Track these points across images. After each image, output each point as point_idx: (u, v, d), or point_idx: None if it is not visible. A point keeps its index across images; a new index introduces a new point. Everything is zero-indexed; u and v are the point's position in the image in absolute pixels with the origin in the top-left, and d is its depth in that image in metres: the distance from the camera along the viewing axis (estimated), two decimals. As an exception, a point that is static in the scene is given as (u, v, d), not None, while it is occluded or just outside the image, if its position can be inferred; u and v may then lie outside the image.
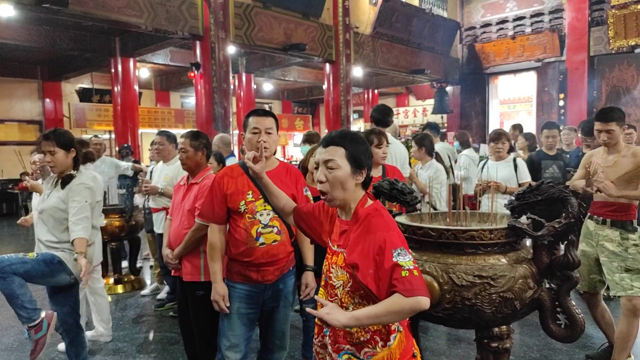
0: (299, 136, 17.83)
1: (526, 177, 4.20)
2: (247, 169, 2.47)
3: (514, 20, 13.01)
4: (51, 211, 2.76)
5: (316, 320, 1.71)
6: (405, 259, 1.42)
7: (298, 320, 3.42)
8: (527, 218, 2.06)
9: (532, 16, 12.65)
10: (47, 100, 13.32)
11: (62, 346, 3.55)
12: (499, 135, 4.37)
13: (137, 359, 3.59)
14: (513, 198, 2.11)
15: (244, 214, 2.38)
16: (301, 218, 1.90)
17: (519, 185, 4.13)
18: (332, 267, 1.64)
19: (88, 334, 3.78)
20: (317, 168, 1.65)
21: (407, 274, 1.39)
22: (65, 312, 2.83)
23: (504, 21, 13.23)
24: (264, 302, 2.49)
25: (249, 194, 2.39)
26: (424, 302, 1.38)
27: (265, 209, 2.38)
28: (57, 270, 2.71)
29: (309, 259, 2.61)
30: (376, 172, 3.19)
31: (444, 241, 2.01)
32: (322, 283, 1.71)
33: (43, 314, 2.66)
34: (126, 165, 6.16)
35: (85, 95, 13.91)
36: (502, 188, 4.06)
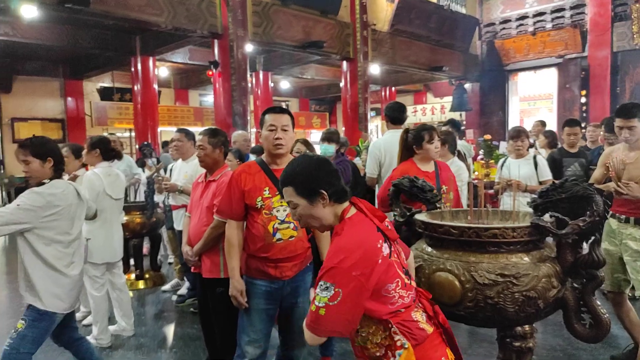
0: (316, 134, 17.84)
1: (547, 175, 4.14)
2: (265, 165, 2.50)
3: (534, 15, 12.79)
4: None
5: None
6: (322, 294, 1.45)
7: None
8: (551, 216, 2.03)
9: (552, 12, 12.43)
10: (69, 98, 13.55)
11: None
12: (518, 133, 4.31)
13: (159, 354, 3.65)
14: (536, 196, 2.08)
15: (261, 210, 2.41)
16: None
17: (540, 183, 4.07)
18: None
19: (111, 328, 3.85)
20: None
21: (313, 309, 1.47)
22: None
23: (524, 17, 13.03)
24: (283, 298, 2.51)
25: (265, 190, 2.42)
26: (309, 339, 1.51)
27: (281, 205, 2.41)
28: (47, 318, 2.55)
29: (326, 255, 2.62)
30: (429, 168, 3.19)
31: (465, 239, 1.99)
32: None
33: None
34: (138, 172, 6.24)
35: (106, 93, 14.13)
36: (522, 186, 4.01)
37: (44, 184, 2.57)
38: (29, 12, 6.61)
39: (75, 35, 9.59)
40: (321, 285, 1.46)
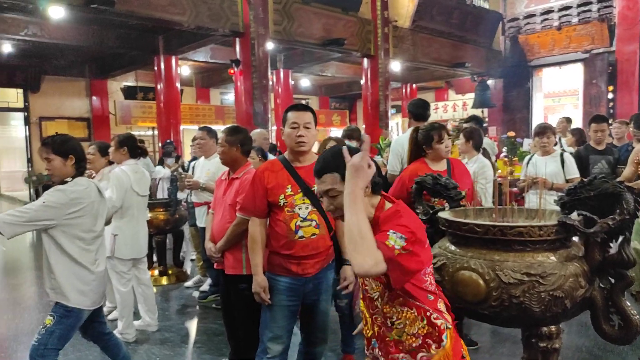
0: (336, 132, 17.82)
1: (574, 172, 4.05)
2: (287, 163, 2.51)
3: (560, 10, 12.51)
4: None
5: (363, 332, 1.73)
6: (397, 238, 1.41)
7: (337, 315, 3.44)
8: (579, 214, 1.99)
9: (579, 5, 12.13)
10: (94, 97, 13.85)
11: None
12: (544, 129, 4.23)
13: (182, 349, 3.70)
14: (563, 194, 2.05)
15: (284, 208, 2.42)
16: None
17: (567, 181, 3.99)
18: (366, 280, 1.65)
19: (135, 323, 3.93)
20: (321, 197, 1.64)
21: (389, 245, 1.40)
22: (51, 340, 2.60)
23: (549, 11, 12.75)
24: (305, 295, 2.52)
25: (288, 188, 2.43)
26: (366, 264, 1.34)
27: (304, 203, 2.42)
28: (73, 314, 2.60)
29: None
30: (441, 166, 3.15)
31: (490, 237, 1.97)
32: (361, 295, 1.72)
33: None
34: (155, 170, 6.35)
35: (129, 92, 14.39)
36: (549, 184, 3.93)
37: (66, 182, 2.60)
38: (57, 13, 6.76)
39: (100, 35, 9.78)
40: (395, 232, 1.43)
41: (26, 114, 13.29)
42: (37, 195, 12.37)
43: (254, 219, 2.52)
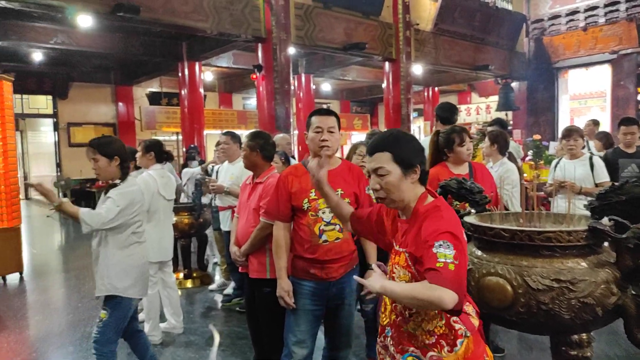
0: (357, 136, 17.80)
1: (604, 176, 3.96)
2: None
3: (586, 10, 12.26)
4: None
5: (380, 320, 1.72)
6: (447, 251, 1.39)
7: (361, 319, 3.43)
8: (610, 220, 1.95)
9: (606, 5, 11.86)
10: (120, 103, 14.15)
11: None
12: (570, 132, 4.15)
13: (207, 351, 3.74)
14: (592, 198, 2.00)
15: (307, 212, 2.44)
16: (359, 222, 1.90)
17: (596, 185, 3.90)
18: (395, 268, 1.63)
19: (161, 325, 3.99)
20: (369, 176, 1.65)
21: (440, 265, 1.36)
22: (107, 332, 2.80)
23: (574, 12, 12.51)
24: (329, 299, 2.53)
25: (312, 192, 2.43)
26: (447, 298, 1.32)
27: (327, 207, 2.41)
28: (124, 304, 2.77)
29: (372, 257, 2.62)
30: (463, 170, 3.11)
31: (517, 242, 1.94)
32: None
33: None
34: (183, 171, 6.46)
35: (154, 98, 14.65)
36: (577, 188, 3.85)
37: (116, 183, 2.77)
38: (84, 22, 6.95)
39: (125, 42, 10.00)
40: (441, 243, 1.40)
41: (55, 119, 13.67)
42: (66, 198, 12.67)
43: (278, 223, 2.53)
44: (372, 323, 3.24)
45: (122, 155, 2.79)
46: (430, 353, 1.52)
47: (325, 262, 2.44)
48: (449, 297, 1.32)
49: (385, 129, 11.38)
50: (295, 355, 2.48)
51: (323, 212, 2.43)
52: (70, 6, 6.40)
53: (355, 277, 1.61)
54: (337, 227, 2.44)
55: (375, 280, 1.49)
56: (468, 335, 1.52)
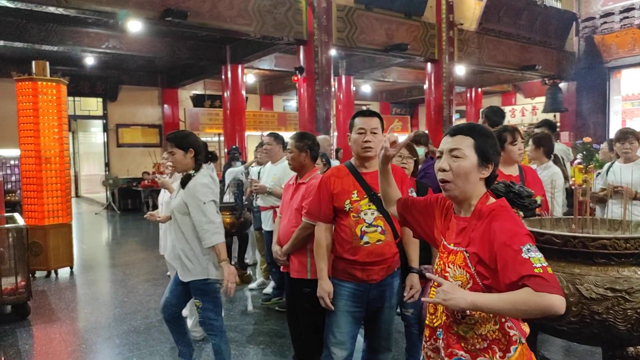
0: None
1: (662, 181, 3.76)
2: (354, 169, 2.51)
3: (642, 7, 11.69)
4: (177, 209, 2.93)
5: (428, 321, 1.67)
6: (537, 255, 1.33)
7: (401, 324, 3.39)
8: (670, 227, 1.84)
9: (664, 1, 11.28)
10: (166, 106, 14.61)
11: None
12: (625, 134, 3.97)
13: (247, 348, 3.79)
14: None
15: (349, 213, 2.43)
16: (406, 209, 1.84)
17: (653, 190, 3.70)
18: (449, 267, 1.56)
19: (203, 322, 4.07)
20: (439, 157, 1.59)
21: (540, 271, 1.29)
22: (208, 314, 2.97)
23: (629, 9, 11.94)
24: (369, 301, 2.51)
25: (354, 194, 2.43)
26: (559, 302, 1.26)
27: (369, 209, 2.42)
28: (212, 289, 2.94)
29: (414, 261, 2.59)
30: (513, 171, 3.04)
31: (569, 249, 1.87)
32: (435, 283, 1.66)
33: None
34: (229, 170, 6.55)
35: (198, 100, 15.04)
36: (632, 193, 3.67)
37: (190, 174, 2.91)
38: (134, 27, 7.21)
39: (172, 46, 10.33)
40: (528, 247, 1.36)
41: (105, 121, 14.25)
42: (113, 197, 13.20)
43: (319, 224, 2.54)
44: (413, 328, 3.19)
45: (197, 148, 2.92)
46: (480, 358, 1.47)
47: (366, 264, 2.43)
48: (559, 302, 1.27)
49: (427, 131, 11.22)
50: (335, 357, 2.48)
51: (365, 214, 2.42)
52: (122, 12, 6.66)
53: (424, 298, 1.52)
54: (379, 228, 2.43)
55: (460, 299, 1.36)
56: (523, 342, 1.47)
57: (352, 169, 2.51)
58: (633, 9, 11.86)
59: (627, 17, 12.00)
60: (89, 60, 11.17)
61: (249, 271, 5.99)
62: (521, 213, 2.36)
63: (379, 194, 2.37)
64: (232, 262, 5.67)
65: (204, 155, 3.02)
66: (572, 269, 1.87)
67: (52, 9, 6.35)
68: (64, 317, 4.61)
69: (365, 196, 2.43)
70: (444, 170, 1.54)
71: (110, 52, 9.91)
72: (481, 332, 1.47)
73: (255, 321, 4.46)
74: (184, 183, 2.91)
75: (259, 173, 5.04)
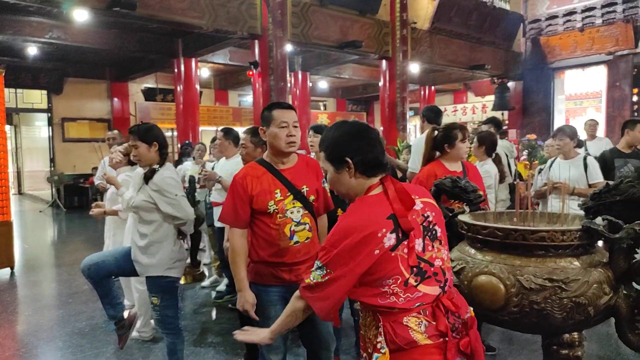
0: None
1: (597, 177, 3.96)
2: (270, 166, 2.34)
3: (583, 11, 12.29)
4: (141, 206, 2.81)
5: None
6: (317, 272, 1.49)
7: (352, 318, 3.42)
8: (603, 219, 1.94)
9: (603, 6, 11.89)
10: (115, 99, 14.08)
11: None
12: (556, 132, 4.28)
13: (198, 348, 3.72)
14: (587, 198, 1.99)
15: (274, 214, 2.28)
16: None
17: (590, 186, 3.90)
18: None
19: (152, 322, 3.95)
20: None
21: (309, 282, 1.53)
22: (168, 312, 2.89)
23: (571, 13, 12.54)
24: None
25: (277, 193, 2.29)
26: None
27: (294, 207, 2.31)
28: (173, 287, 2.91)
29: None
30: (457, 167, 3.10)
31: (511, 242, 1.93)
32: None
33: (126, 314, 3.01)
34: (181, 167, 6.40)
35: (149, 94, 14.58)
36: (569, 189, 3.85)
37: (155, 168, 2.81)
38: (80, 16, 6.89)
39: (121, 38, 9.94)
40: (317, 263, 1.49)
41: (49, 114, 13.57)
42: (59, 194, 12.60)
43: (235, 230, 2.32)
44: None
45: (161, 142, 2.86)
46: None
47: (294, 264, 2.31)
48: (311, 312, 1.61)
49: (382, 128, 11.35)
50: None
51: (291, 212, 2.30)
52: (66, 0, 6.34)
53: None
54: (307, 226, 2.34)
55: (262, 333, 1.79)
56: (383, 351, 1.42)
57: (268, 167, 2.34)
58: (575, 12, 12.46)
59: (569, 20, 12.60)
60: (31, 50, 10.60)
61: (202, 268, 5.87)
62: (466, 208, 2.44)
63: (302, 190, 2.34)
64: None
65: (167, 149, 2.93)
66: (513, 260, 1.92)
67: (-12, -5, 5.98)
68: (1, 321, 4.36)
69: (288, 194, 2.30)
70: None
71: (55, 43, 9.43)
72: (369, 335, 1.52)
73: (208, 319, 4.38)
74: (147, 178, 2.78)
75: (212, 169, 4.94)
